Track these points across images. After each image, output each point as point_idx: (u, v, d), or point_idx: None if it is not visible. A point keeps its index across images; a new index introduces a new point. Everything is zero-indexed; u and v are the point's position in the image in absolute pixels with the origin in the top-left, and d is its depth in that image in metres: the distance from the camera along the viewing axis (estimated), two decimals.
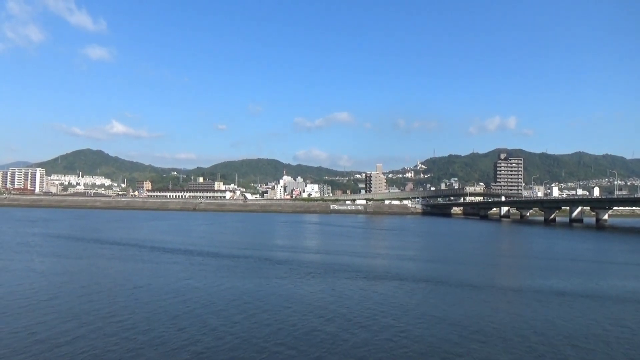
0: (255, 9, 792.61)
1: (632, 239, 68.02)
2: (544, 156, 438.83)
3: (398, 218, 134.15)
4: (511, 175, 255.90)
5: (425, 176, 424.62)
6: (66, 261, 32.09)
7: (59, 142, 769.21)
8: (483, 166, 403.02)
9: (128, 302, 19.53)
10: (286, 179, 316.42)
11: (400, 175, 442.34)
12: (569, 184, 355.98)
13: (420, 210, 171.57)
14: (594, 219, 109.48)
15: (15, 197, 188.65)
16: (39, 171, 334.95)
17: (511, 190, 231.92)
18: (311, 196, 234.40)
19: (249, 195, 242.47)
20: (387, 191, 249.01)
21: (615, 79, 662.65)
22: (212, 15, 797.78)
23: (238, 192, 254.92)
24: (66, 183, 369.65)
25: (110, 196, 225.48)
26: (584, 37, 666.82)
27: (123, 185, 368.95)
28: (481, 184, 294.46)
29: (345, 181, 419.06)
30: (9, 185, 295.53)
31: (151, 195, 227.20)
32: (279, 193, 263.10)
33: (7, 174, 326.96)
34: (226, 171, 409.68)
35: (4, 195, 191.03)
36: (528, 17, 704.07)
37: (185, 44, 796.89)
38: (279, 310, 18.74)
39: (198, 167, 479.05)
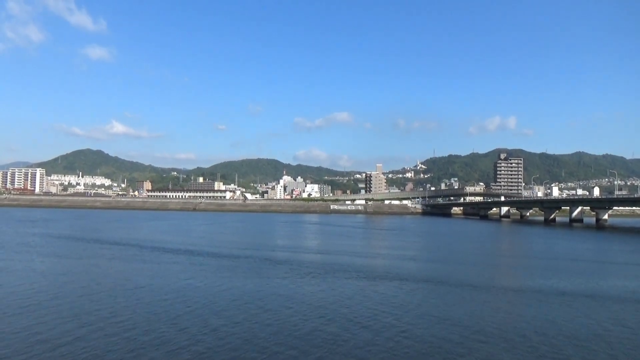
0: (255, 9, 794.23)
1: (632, 239, 68.04)
2: (544, 156, 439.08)
3: (398, 218, 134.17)
4: (511, 175, 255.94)
5: (425, 176, 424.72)
6: (66, 261, 32.09)
7: (59, 142, 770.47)
8: (483, 166, 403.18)
9: (129, 302, 19.53)
10: (286, 179, 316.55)
11: (400, 175, 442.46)
12: (569, 184, 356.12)
13: (420, 210, 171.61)
14: (594, 219, 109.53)
15: (15, 197, 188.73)
16: (39, 171, 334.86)
17: (511, 190, 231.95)
18: (311, 196, 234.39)
19: (249, 195, 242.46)
20: (387, 191, 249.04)
21: (615, 79, 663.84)
22: (212, 15, 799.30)
23: (238, 192, 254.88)
24: (66, 183, 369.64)
25: (110, 196, 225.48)
26: (584, 37, 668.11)
27: (123, 185, 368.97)
28: (481, 184, 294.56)
29: (345, 181, 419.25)
30: (9, 186, 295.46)
31: (151, 195, 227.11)
32: (279, 193, 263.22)
33: (7, 174, 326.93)
34: (226, 171, 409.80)
35: (4, 196, 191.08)
36: (528, 17, 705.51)
37: (185, 44, 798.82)
38: (279, 310, 18.74)
39: (198, 167, 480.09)
